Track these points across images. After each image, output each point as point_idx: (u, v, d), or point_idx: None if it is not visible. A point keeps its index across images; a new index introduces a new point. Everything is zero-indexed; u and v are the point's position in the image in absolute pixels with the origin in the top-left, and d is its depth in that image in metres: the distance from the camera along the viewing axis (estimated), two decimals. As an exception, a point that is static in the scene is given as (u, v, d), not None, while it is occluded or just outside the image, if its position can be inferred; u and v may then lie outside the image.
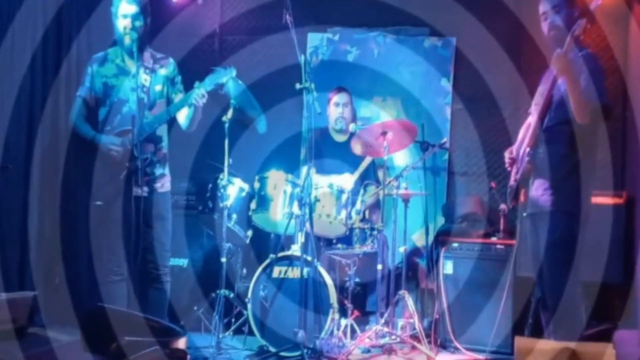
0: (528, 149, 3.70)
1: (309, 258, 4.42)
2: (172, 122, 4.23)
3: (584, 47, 3.66)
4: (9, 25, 4.53)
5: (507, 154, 3.93)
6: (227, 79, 4.18)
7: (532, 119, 3.84)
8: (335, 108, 5.33)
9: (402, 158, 5.65)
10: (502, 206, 4.83)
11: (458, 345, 4.61)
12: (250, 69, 5.81)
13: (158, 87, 4.22)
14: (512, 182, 3.88)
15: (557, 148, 3.63)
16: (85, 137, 4.10)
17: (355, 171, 5.11)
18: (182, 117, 4.20)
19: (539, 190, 3.69)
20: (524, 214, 3.90)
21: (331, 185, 4.68)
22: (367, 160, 5.15)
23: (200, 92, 4.05)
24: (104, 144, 4.03)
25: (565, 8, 3.66)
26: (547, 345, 3.42)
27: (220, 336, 4.44)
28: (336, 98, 5.33)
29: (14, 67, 4.54)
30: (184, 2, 5.79)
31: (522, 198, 3.83)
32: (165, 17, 5.51)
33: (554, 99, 3.65)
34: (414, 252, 5.51)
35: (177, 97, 4.23)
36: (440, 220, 5.44)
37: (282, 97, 5.59)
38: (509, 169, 3.92)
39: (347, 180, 4.84)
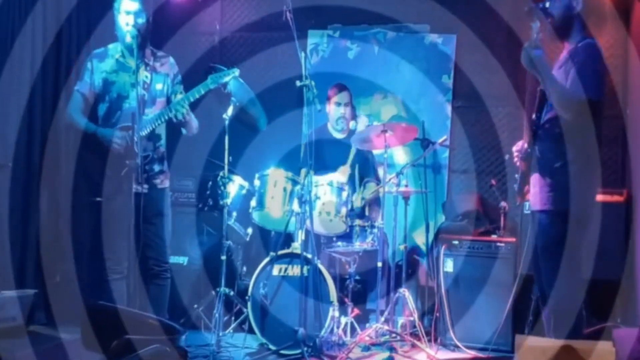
0: (526, 146, 3.66)
1: (309, 256, 4.42)
2: (171, 121, 4.23)
3: (587, 37, 3.54)
4: (12, 24, 4.52)
5: (514, 149, 3.87)
6: (231, 78, 4.17)
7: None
8: (337, 108, 5.29)
9: (402, 155, 5.66)
10: (503, 204, 4.83)
11: (458, 343, 4.60)
12: (251, 67, 5.82)
13: (159, 86, 4.21)
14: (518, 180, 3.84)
15: (548, 145, 3.55)
16: (83, 129, 4.09)
17: (347, 161, 5.12)
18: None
19: (535, 188, 3.64)
20: (524, 212, 3.88)
21: (331, 182, 4.68)
22: (353, 150, 5.14)
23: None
24: (106, 137, 4.03)
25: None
26: (547, 343, 3.42)
27: (220, 334, 4.44)
28: (337, 98, 5.29)
29: (15, 64, 4.53)
30: (184, 0, 5.77)
31: (527, 196, 3.79)
32: (166, 14, 5.50)
33: (546, 95, 3.56)
34: (414, 249, 5.52)
35: (177, 97, 4.23)
36: (441, 218, 5.44)
37: (283, 94, 5.59)
38: (517, 165, 3.86)
39: (340, 174, 4.84)
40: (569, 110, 3.41)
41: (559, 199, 3.51)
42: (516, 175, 3.81)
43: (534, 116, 3.62)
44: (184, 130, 4.26)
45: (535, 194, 3.63)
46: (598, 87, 3.46)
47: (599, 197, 4.39)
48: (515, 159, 3.81)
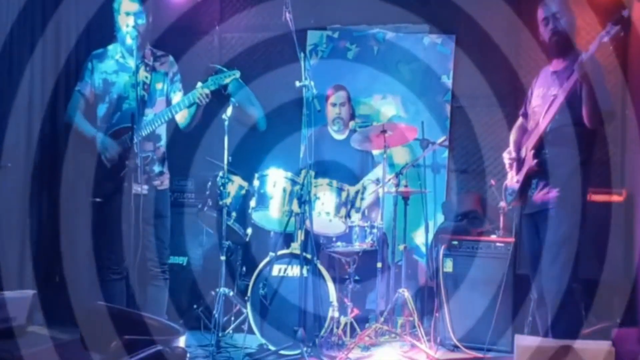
0: (533, 151, 3.71)
1: (309, 256, 4.42)
2: (171, 120, 4.22)
3: (579, 50, 3.67)
4: (9, 22, 4.52)
5: (506, 155, 3.95)
6: (231, 80, 4.17)
7: (530, 121, 3.85)
8: (332, 108, 5.28)
9: (401, 156, 5.65)
10: (502, 204, 4.82)
11: (457, 344, 4.60)
12: (250, 67, 5.82)
13: (159, 85, 4.21)
14: (513, 183, 3.87)
15: (561, 149, 3.65)
16: (82, 131, 4.10)
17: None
18: (182, 116, 4.19)
19: (542, 190, 3.70)
20: (523, 213, 3.90)
21: (331, 182, 4.68)
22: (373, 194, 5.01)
23: (203, 92, 4.03)
24: (101, 146, 4.03)
25: (566, 14, 3.68)
26: (546, 343, 3.43)
27: (220, 334, 4.44)
28: (333, 98, 5.28)
29: (13, 64, 4.53)
30: (184, 0, 5.77)
31: (520, 201, 3.85)
32: (165, 14, 5.50)
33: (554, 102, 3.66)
34: (414, 250, 5.52)
35: (176, 96, 4.23)
36: (440, 218, 5.44)
37: (282, 95, 5.59)
38: (509, 170, 3.92)
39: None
40: (599, 119, 3.54)
41: (570, 200, 3.62)
42: (513, 184, 3.85)
43: (541, 120, 3.67)
44: (185, 122, 4.24)
45: (543, 195, 3.69)
46: (610, 96, 3.61)
47: (599, 197, 4.45)
48: (507, 166, 3.89)
